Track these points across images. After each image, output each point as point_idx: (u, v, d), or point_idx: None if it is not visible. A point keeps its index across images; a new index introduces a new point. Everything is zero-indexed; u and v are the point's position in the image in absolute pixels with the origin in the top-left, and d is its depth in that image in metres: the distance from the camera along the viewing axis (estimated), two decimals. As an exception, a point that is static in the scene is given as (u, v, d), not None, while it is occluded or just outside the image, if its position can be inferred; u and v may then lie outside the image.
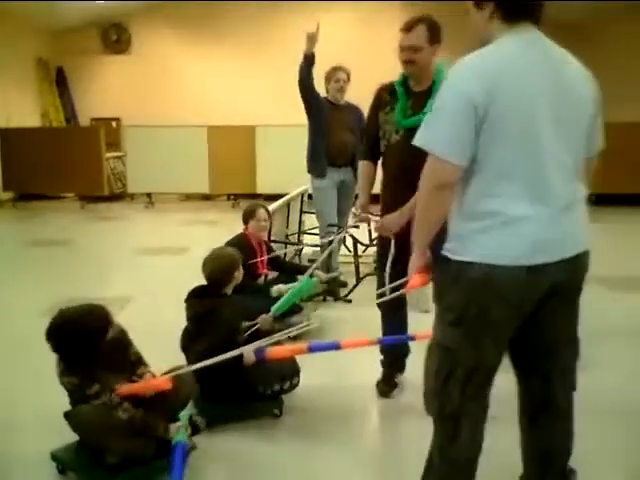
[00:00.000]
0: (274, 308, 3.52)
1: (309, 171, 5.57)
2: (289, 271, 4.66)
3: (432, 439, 2.18)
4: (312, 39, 5.30)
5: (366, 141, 3.45)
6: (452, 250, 1.99)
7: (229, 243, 4.15)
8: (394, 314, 3.45)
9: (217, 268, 3.31)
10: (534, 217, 1.88)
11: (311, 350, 3.08)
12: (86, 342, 2.55)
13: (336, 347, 3.09)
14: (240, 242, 4.24)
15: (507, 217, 1.88)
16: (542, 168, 1.88)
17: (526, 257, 1.89)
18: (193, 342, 3.17)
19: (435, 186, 1.91)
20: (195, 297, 3.28)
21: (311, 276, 3.89)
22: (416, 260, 2.14)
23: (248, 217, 4.55)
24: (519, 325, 2.02)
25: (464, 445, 2.09)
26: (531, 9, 1.94)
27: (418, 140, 1.93)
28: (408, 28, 3.04)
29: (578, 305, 2.13)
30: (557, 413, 2.17)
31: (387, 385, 3.52)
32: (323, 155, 5.42)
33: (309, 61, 5.30)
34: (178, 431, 2.61)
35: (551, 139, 1.88)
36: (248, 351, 3.03)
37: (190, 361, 3.15)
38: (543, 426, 2.19)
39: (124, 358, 2.71)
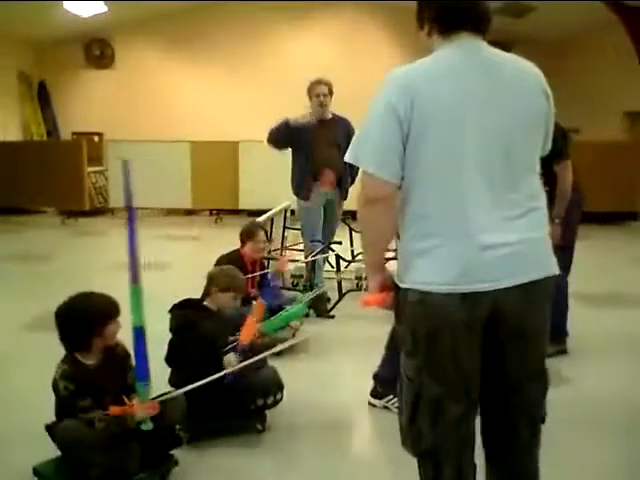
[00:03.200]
0: (264, 325, 3.52)
1: (295, 194, 5.55)
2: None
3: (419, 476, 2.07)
4: (302, 120, 5.26)
5: None
6: (398, 276, 1.93)
7: (222, 258, 4.16)
8: None
9: (217, 275, 3.38)
10: (464, 241, 1.79)
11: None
12: (88, 320, 2.63)
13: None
14: (233, 259, 4.24)
15: (437, 241, 1.81)
16: (469, 183, 1.80)
17: (458, 285, 1.79)
18: (176, 355, 3.19)
19: (367, 201, 1.87)
20: (177, 308, 3.31)
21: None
22: (370, 281, 2.05)
23: (247, 238, 4.50)
24: (480, 354, 1.91)
25: None
26: (464, 19, 1.90)
27: (348, 156, 1.90)
28: None
29: (543, 337, 1.99)
30: (519, 452, 2.04)
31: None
32: (309, 177, 5.39)
33: (289, 128, 5.28)
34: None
35: (481, 144, 1.81)
36: (228, 358, 3.04)
37: (173, 374, 3.17)
38: (503, 464, 2.08)
39: (122, 380, 2.69)
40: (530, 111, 1.89)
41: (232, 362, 3.01)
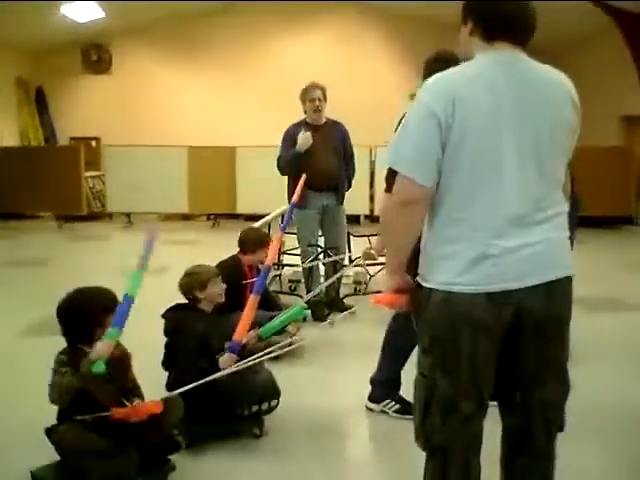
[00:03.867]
0: (261, 330, 3.52)
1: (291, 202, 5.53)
2: (271, 301, 4.67)
3: (424, 473, 2.08)
4: (306, 142, 5.22)
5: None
6: (422, 276, 1.97)
7: (221, 264, 4.16)
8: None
9: (189, 282, 3.35)
10: (491, 245, 1.84)
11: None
12: (89, 309, 2.68)
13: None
14: (232, 264, 4.24)
15: (465, 244, 1.85)
16: (504, 189, 1.84)
17: (483, 285, 1.84)
18: (171, 357, 3.22)
19: (400, 203, 1.89)
20: (170, 311, 3.33)
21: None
22: (388, 281, 2.08)
23: (259, 246, 4.40)
24: (497, 355, 1.95)
25: None
26: (509, 30, 1.92)
27: (387, 159, 1.93)
28: None
29: (563, 338, 2.02)
30: (534, 453, 2.05)
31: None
32: (305, 186, 5.36)
33: (298, 158, 5.27)
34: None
35: (516, 153, 1.85)
36: (223, 358, 3.04)
37: (170, 377, 3.18)
38: (519, 466, 2.08)
39: (121, 379, 2.69)
40: (560, 122, 1.93)
41: (227, 362, 3.01)
